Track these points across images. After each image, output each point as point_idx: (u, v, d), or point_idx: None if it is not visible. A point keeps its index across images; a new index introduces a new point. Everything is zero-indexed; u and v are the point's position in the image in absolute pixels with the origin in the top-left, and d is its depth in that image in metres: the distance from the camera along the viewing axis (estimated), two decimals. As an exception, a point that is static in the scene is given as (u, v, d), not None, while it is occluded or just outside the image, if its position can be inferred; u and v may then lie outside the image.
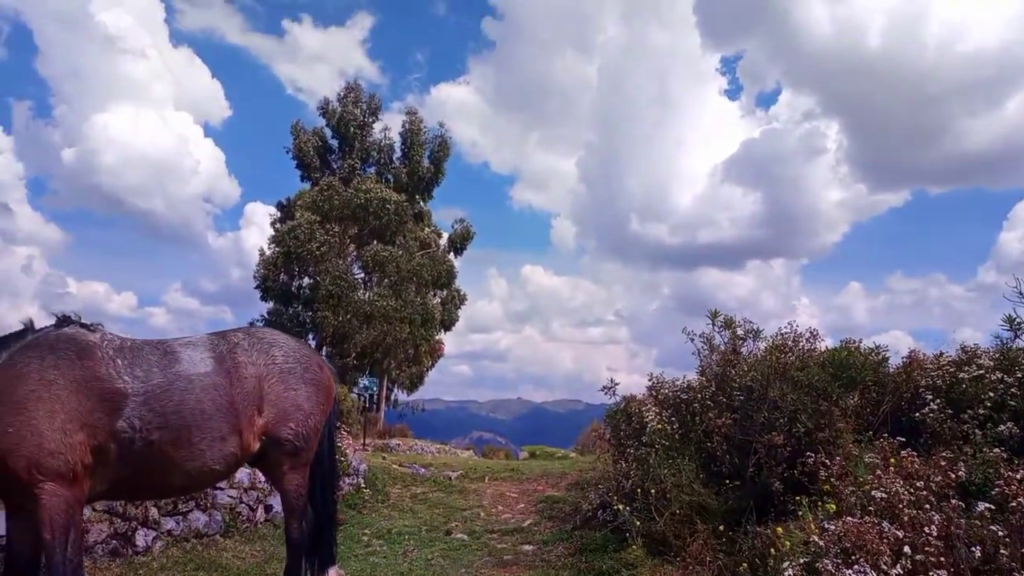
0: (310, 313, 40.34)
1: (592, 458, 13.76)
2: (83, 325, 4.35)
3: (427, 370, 44.74)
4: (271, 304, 42.11)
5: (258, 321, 41.92)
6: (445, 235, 42.83)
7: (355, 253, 39.40)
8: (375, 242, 38.36)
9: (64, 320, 4.34)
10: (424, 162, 41.35)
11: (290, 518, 4.99)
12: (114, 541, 5.79)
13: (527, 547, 7.17)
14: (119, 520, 5.89)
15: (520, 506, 8.43)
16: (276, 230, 43.81)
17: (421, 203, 41.76)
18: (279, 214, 42.95)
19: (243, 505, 7.45)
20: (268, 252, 43.74)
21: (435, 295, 41.84)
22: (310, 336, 42.18)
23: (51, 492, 3.83)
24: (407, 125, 41.18)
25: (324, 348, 39.96)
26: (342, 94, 42.06)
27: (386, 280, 37.87)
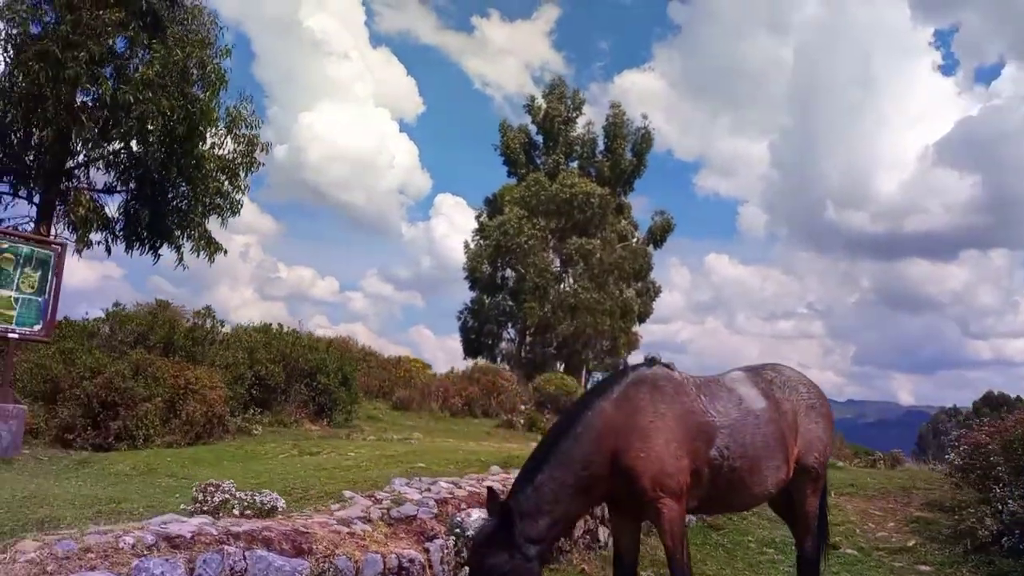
0: (511, 303, 41.92)
1: (888, 472, 13.57)
2: (664, 364, 5.01)
3: (622, 362, 45.07)
4: (475, 293, 44.02)
5: (464, 311, 44.04)
6: (641, 227, 42.95)
7: (552, 246, 40.24)
8: (575, 236, 39.17)
9: (651, 360, 5.03)
10: (626, 155, 41.61)
11: (806, 536, 5.48)
12: (587, 536, 6.59)
13: (924, 567, 7.31)
14: (589, 519, 6.68)
15: (890, 524, 8.53)
16: (481, 223, 45.72)
17: (622, 196, 42.01)
18: (485, 208, 44.69)
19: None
20: (473, 245, 45.80)
21: (629, 287, 41.99)
22: (509, 325, 43.82)
23: (670, 507, 4.51)
24: (610, 118, 41.60)
25: (527, 338, 41.39)
26: (546, 91, 43.13)
27: (586, 273, 38.61)
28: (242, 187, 14.95)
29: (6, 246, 9.37)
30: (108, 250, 14.13)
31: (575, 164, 41.84)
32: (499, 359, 45.54)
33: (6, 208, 13.84)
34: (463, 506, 5.10)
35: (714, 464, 4.77)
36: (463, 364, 45.91)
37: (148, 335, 13.48)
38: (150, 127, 13.19)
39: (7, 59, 12.46)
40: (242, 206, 14.94)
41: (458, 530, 4.75)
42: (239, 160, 14.89)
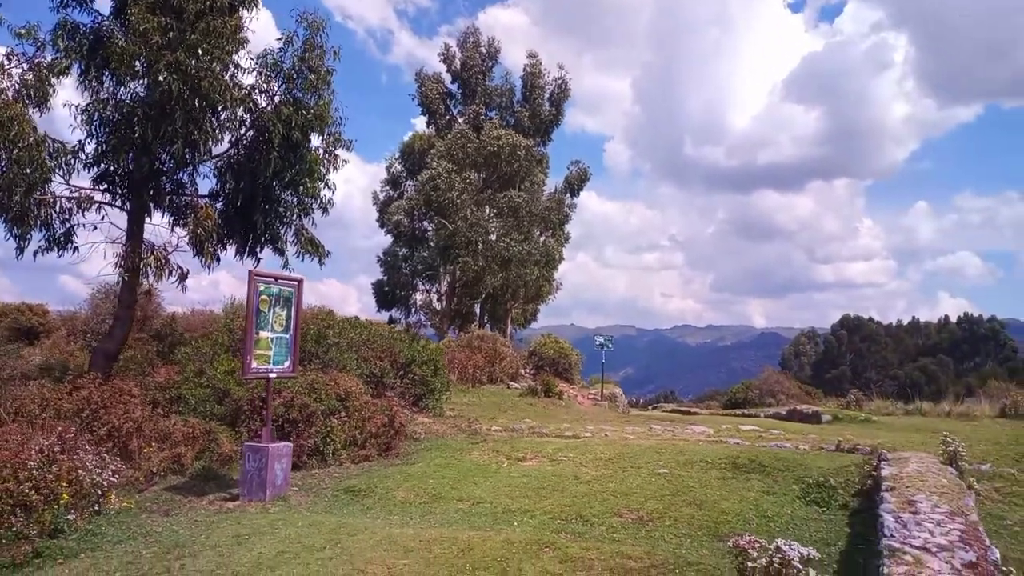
0: (424, 255, 42.69)
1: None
2: None
3: (539, 308, 47.41)
4: (388, 246, 44.36)
5: (377, 267, 44.30)
6: (554, 177, 44.75)
7: (481, 199, 41.17)
8: (501, 188, 40.42)
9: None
10: (545, 105, 42.95)
11: None
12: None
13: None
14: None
15: None
16: (391, 173, 45.79)
17: (541, 147, 43.46)
18: (399, 157, 44.76)
19: None
20: (383, 196, 45.84)
21: (553, 235, 44.04)
22: (425, 278, 44.65)
23: None
24: (527, 68, 42.62)
25: (455, 291, 42.50)
26: (461, 39, 43.28)
27: (515, 225, 40.02)
28: (329, 185, 15.14)
29: (262, 287, 9.71)
30: (217, 258, 13.98)
31: (494, 114, 42.69)
32: (413, 312, 46.56)
33: (103, 219, 13.36)
34: None
35: None
36: (377, 318, 46.25)
37: (277, 345, 13.76)
38: (268, 131, 13.21)
39: (147, 83, 12.10)
40: (333, 205, 15.18)
41: None
42: (325, 158, 15.05)
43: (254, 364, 9.69)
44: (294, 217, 14.75)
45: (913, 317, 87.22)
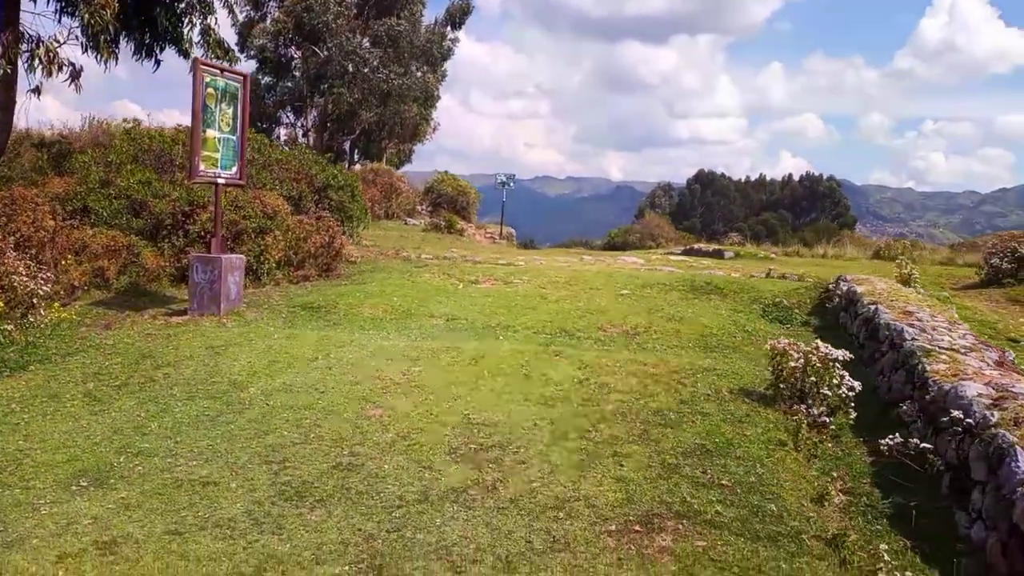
0: (290, 84, 39.84)
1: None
2: None
3: (413, 148, 46.02)
4: (254, 74, 40.98)
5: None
6: (432, 10, 42.37)
7: (357, 26, 38.45)
8: (372, 15, 37.88)
9: None
10: (422, -80, 39.80)
11: None
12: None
13: None
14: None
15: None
16: (250, -11, 41.54)
17: (420, -29, 40.60)
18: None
19: None
20: (243, 16, 41.71)
21: (434, 72, 42.20)
22: (313, 113, 41.97)
23: None
24: None
25: (328, 127, 40.24)
26: None
27: (395, 57, 37.84)
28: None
29: (208, 79, 8.56)
30: (116, 56, 12.13)
31: (369, -71, 39.14)
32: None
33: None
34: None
35: None
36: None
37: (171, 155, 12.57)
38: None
39: None
40: (238, 3, 13.53)
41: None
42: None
43: (202, 166, 8.67)
44: (196, 16, 13.00)
45: (760, 174, 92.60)
